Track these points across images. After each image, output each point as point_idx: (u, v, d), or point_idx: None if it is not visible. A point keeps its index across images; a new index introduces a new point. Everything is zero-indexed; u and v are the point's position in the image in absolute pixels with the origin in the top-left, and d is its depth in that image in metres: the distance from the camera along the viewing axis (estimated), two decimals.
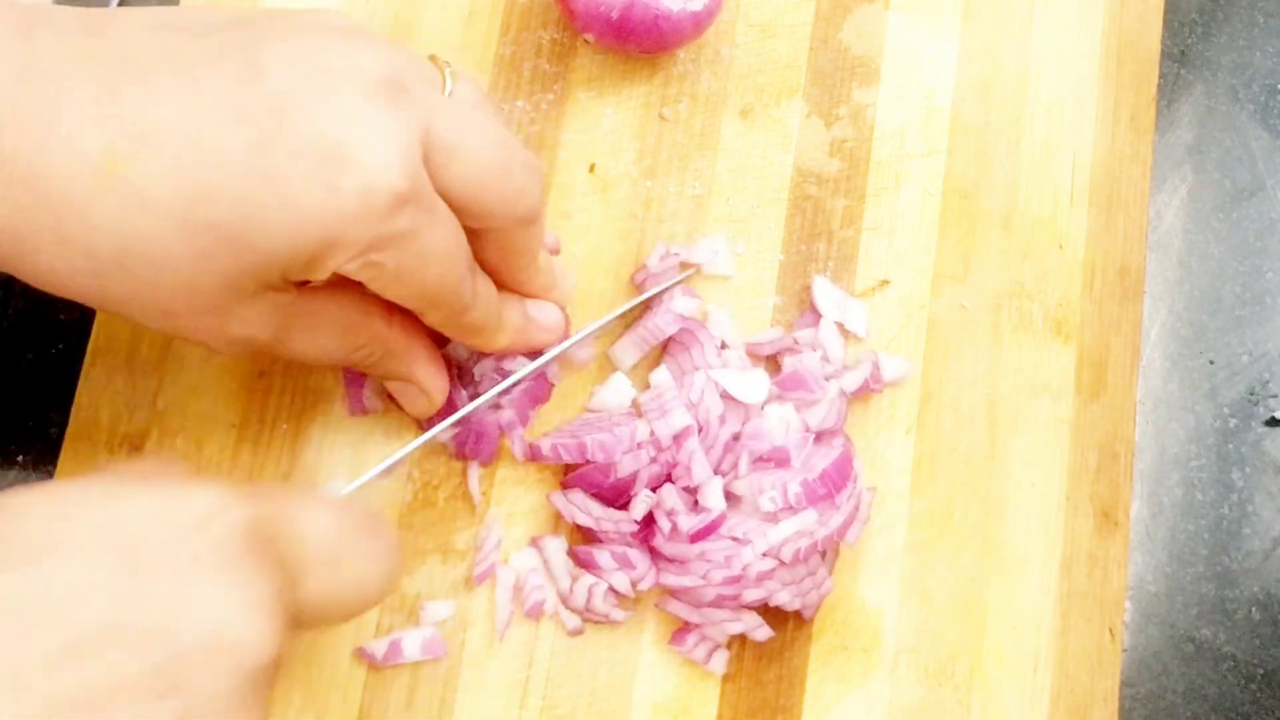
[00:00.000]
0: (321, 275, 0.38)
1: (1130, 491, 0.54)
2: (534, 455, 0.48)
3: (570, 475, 0.48)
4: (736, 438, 0.48)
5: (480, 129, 0.40)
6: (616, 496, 0.48)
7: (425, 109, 0.38)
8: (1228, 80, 0.61)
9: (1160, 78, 0.59)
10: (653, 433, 0.47)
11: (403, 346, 0.44)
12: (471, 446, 0.48)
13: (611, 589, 0.47)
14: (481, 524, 0.48)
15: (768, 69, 0.54)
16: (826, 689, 0.49)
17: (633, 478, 0.47)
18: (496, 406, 0.48)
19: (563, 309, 0.48)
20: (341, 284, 0.41)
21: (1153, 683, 0.54)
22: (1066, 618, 0.52)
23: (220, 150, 0.35)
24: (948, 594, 0.51)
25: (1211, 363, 0.57)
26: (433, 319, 0.42)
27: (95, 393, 0.48)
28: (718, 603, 0.47)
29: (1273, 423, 0.57)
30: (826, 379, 0.50)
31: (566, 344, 0.48)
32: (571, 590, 0.47)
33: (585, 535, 0.48)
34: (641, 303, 0.50)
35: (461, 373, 0.48)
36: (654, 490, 0.47)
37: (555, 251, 0.51)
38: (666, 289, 0.50)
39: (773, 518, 0.47)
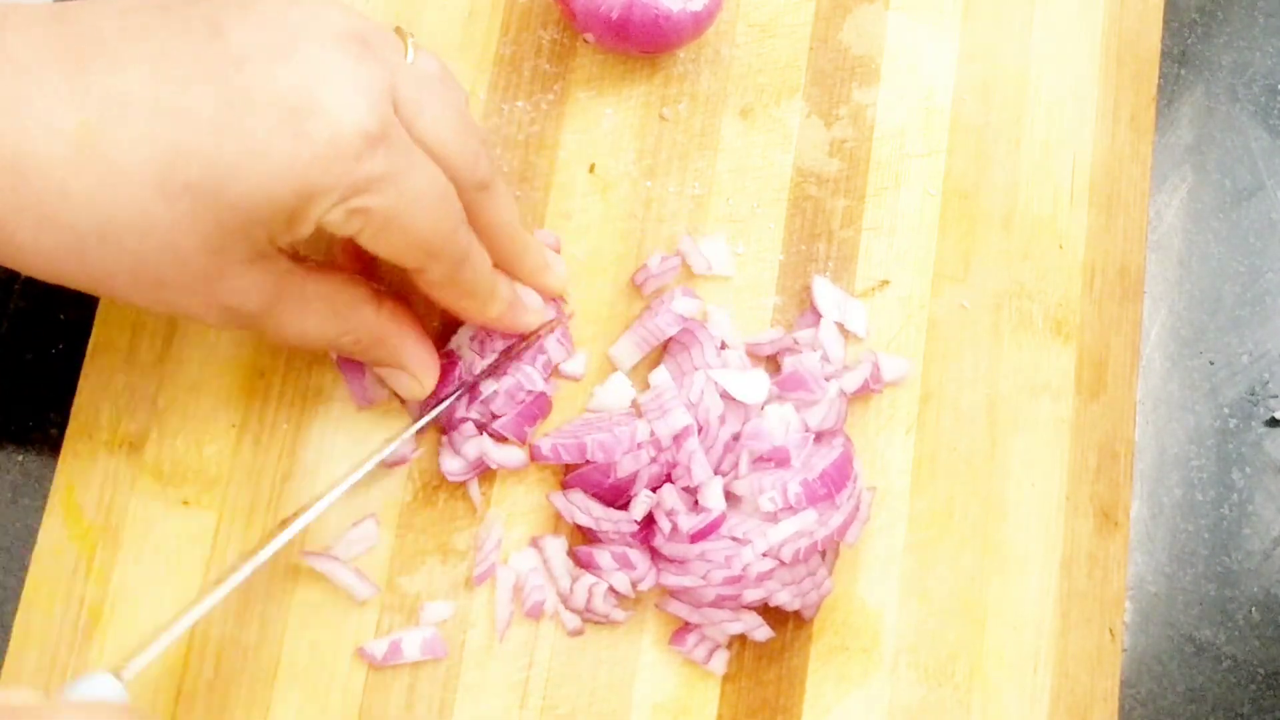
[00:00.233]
0: (306, 229, 0.38)
1: (1130, 491, 0.54)
2: (534, 455, 0.48)
3: (570, 475, 0.48)
4: (736, 438, 0.48)
5: (440, 93, 0.40)
6: (616, 497, 0.48)
7: (391, 66, 0.39)
8: (1228, 80, 0.61)
9: (1160, 78, 0.59)
10: (653, 432, 0.47)
11: (392, 332, 0.44)
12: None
13: (611, 589, 0.47)
14: (481, 524, 0.48)
15: (768, 69, 0.54)
16: (826, 689, 0.49)
17: (633, 478, 0.47)
18: (494, 417, 0.48)
19: (562, 298, 0.49)
20: (332, 265, 0.41)
21: (1153, 683, 0.54)
22: (1066, 618, 0.52)
23: (189, 111, 0.35)
24: (948, 594, 0.51)
25: (1211, 363, 0.57)
26: (434, 274, 0.42)
27: (95, 393, 0.48)
28: (718, 603, 0.47)
29: (1273, 423, 0.57)
30: (826, 379, 0.50)
31: (549, 329, 0.48)
32: (571, 590, 0.47)
33: (585, 535, 0.48)
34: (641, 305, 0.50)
35: (470, 393, 0.48)
36: (654, 490, 0.47)
37: (555, 251, 0.51)
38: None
39: (773, 518, 0.47)
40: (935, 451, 0.52)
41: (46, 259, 0.36)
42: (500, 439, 0.48)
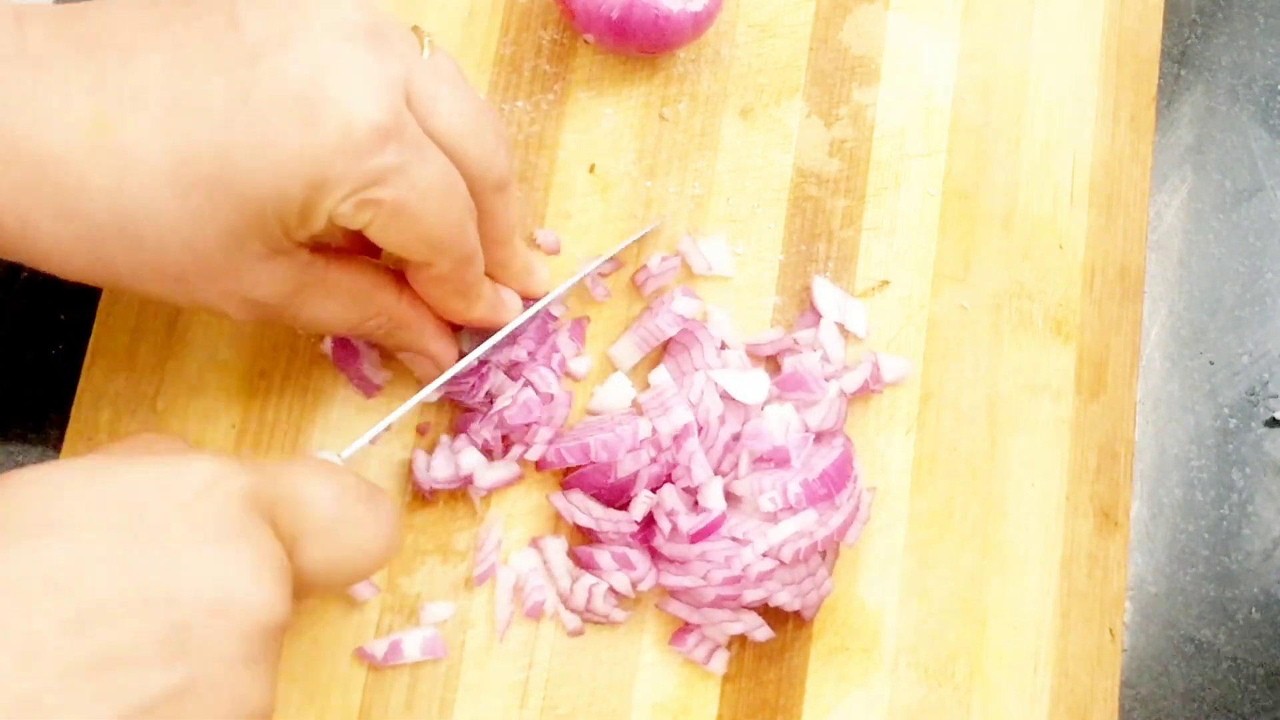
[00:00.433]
0: (319, 222, 0.38)
1: (1130, 491, 0.54)
2: (540, 466, 0.48)
3: (570, 476, 0.48)
4: (736, 438, 0.48)
5: (457, 89, 0.40)
6: (616, 497, 0.48)
7: (406, 61, 0.39)
8: (1228, 80, 0.61)
9: (1160, 78, 0.59)
10: (654, 431, 0.47)
11: (412, 317, 0.44)
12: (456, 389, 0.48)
13: (611, 589, 0.47)
14: (481, 524, 0.48)
15: (768, 69, 0.54)
16: (826, 689, 0.49)
17: (633, 478, 0.47)
18: (506, 437, 0.48)
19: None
20: (352, 253, 0.42)
21: (1153, 683, 0.54)
22: (1066, 618, 0.52)
23: (202, 103, 0.36)
24: (948, 594, 0.51)
25: (1211, 363, 0.57)
26: (439, 270, 0.42)
27: (95, 393, 0.48)
28: (718, 603, 0.47)
29: (1273, 423, 0.57)
30: (826, 379, 0.50)
31: (528, 314, 0.48)
32: (571, 590, 0.47)
33: (585, 536, 0.48)
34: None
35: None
36: (654, 491, 0.47)
37: (555, 251, 0.51)
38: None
39: (773, 518, 0.47)
40: (935, 451, 0.52)
41: (67, 253, 0.36)
42: (505, 448, 0.48)
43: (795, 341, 0.51)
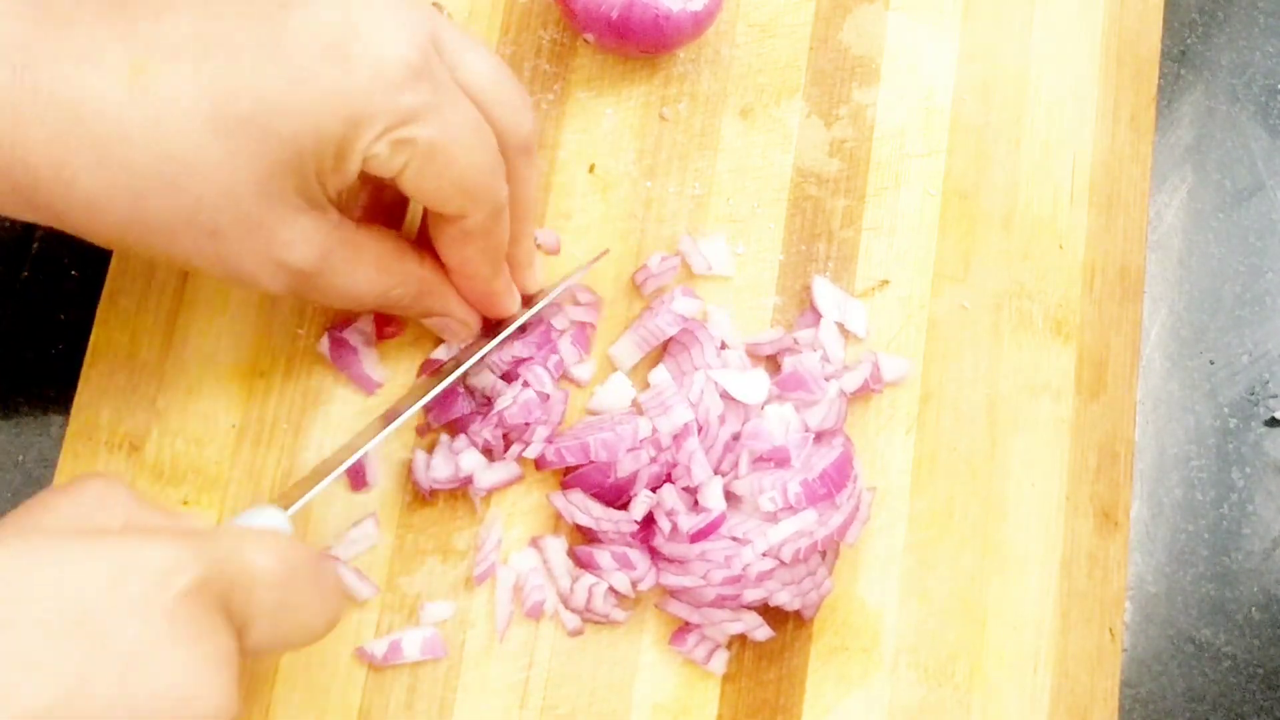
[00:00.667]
0: (354, 164, 0.38)
1: (1130, 491, 0.54)
2: (540, 464, 0.48)
3: (570, 475, 0.48)
4: (736, 438, 0.48)
5: (482, 49, 0.41)
6: (616, 497, 0.48)
7: (431, 15, 0.40)
8: (1228, 80, 0.61)
9: (1160, 78, 0.59)
10: (654, 430, 0.47)
11: (436, 282, 0.45)
12: (436, 415, 0.48)
13: (611, 589, 0.47)
14: (481, 524, 0.48)
15: (768, 69, 0.54)
16: (826, 689, 0.49)
17: (633, 478, 0.47)
18: (506, 435, 0.48)
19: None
20: (378, 220, 0.43)
21: (1153, 683, 0.54)
22: (1066, 618, 0.52)
23: (235, 49, 0.36)
24: (948, 594, 0.51)
25: (1211, 363, 0.57)
26: (472, 222, 0.42)
27: (95, 393, 0.48)
28: (718, 603, 0.47)
29: (1273, 423, 0.57)
30: (826, 379, 0.50)
31: (527, 314, 0.48)
32: (571, 590, 0.47)
33: (585, 535, 0.48)
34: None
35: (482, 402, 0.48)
36: (654, 490, 0.47)
37: (555, 251, 0.51)
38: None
39: (773, 518, 0.47)
40: (935, 451, 0.52)
41: (104, 205, 0.36)
42: (505, 445, 0.48)
43: (795, 341, 0.51)
